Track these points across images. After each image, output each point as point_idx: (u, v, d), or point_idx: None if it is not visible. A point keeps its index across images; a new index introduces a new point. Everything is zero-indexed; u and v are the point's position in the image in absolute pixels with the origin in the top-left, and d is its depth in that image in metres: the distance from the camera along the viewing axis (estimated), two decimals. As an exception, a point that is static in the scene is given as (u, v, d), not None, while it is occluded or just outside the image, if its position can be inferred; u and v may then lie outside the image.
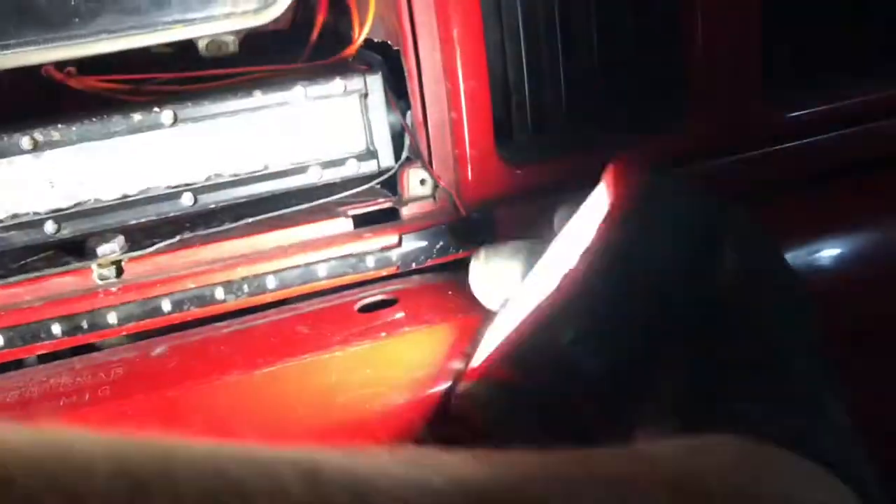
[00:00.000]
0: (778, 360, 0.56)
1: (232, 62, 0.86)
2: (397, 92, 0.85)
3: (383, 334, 0.79)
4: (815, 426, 0.52)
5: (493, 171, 0.83)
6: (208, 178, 0.79)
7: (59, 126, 0.73)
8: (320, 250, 0.81)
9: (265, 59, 0.88)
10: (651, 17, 0.90)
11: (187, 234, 0.80)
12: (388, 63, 0.86)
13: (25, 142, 0.73)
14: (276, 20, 0.83)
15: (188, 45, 0.85)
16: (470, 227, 0.84)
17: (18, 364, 0.83)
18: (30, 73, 0.84)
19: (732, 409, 0.52)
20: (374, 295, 0.83)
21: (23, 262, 0.78)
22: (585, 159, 0.76)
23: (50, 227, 0.75)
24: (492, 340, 0.68)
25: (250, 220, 0.82)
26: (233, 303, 0.79)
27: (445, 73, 0.79)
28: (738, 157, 0.88)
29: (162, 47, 0.88)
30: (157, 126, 0.76)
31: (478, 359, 0.70)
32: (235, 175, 0.80)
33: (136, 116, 0.75)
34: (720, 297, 0.58)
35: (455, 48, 0.78)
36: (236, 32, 0.84)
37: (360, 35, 0.83)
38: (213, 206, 0.80)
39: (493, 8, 0.84)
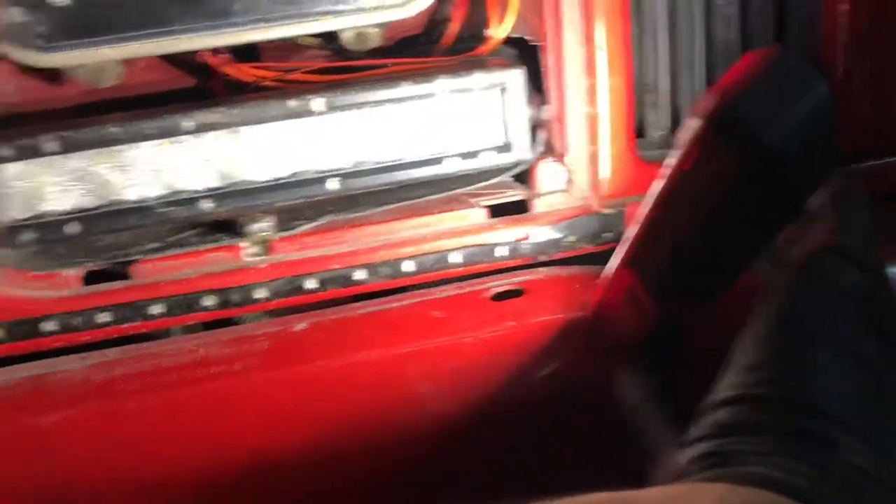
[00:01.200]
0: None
1: (372, 55, 0.89)
2: (533, 87, 0.87)
3: (513, 323, 0.81)
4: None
5: (629, 168, 0.84)
6: (354, 165, 0.83)
7: (220, 109, 0.78)
8: (455, 238, 0.84)
9: (401, 52, 0.91)
10: (793, 17, 0.89)
11: (332, 218, 0.84)
12: (523, 59, 0.88)
13: (188, 123, 0.78)
14: (419, 14, 0.86)
15: (332, 37, 0.89)
16: (602, 221, 0.85)
17: (165, 334, 0.89)
18: (183, 59, 0.89)
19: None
20: (504, 284, 0.86)
21: (179, 236, 0.84)
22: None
23: (206, 204, 0.80)
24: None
25: (391, 206, 0.85)
26: (372, 284, 0.83)
27: (588, 69, 0.81)
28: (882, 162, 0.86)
29: (308, 38, 0.93)
30: (310, 113, 0.80)
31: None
32: (379, 163, 0.83)
33: (291, 103, 0.79)
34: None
35: (600, 45, 0.80)
36: (381, 25, 0.87)
37: (502, 31, 0.85)
38: (356, 191, 0.83)
39: (634, 6, 0.85)
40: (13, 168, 0.76)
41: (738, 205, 0.59)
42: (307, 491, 0.77)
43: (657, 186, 0.65)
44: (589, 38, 0.80)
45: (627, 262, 0.67)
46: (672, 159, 0.64)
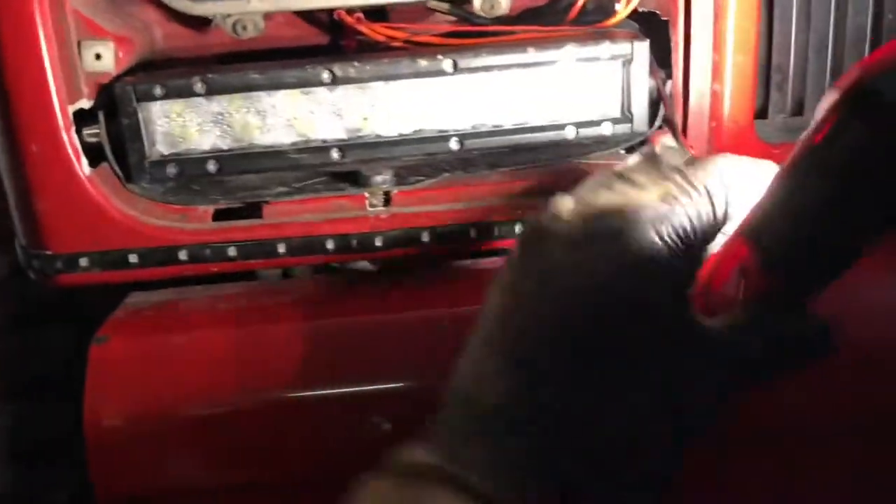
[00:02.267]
0: None
1: (499, 22, 0.92)
2: (657, 61, 0.88)
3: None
4: None
5: (747, 147, 0.84)
6: (474, 126, 0.85)
7: (356, 64, 0.82)
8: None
9: (527, 21, 0.93)
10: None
11: (449, 176, 0.87)
12: (650, 32, 0.88)
13: (325, 75, 0.82)
14: (550, -18, 0.88)
15: (462, 2, 0.92)
16: (716, 199, 0.85)
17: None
18: (320, 16, 0.94)
19: None
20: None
21: (306, 182, 0.88)
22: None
23: (334, 154, 0.84)
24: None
25: (506, 168, 0.88)
26: (483, 242, 0.86)
27: (715, 45, 0.81)
28: None
29: (437, 2, 0.96)
30: (439, 73, 0.83)
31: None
32: (498, 126, 0.86)
33: (422, 62, 0.82)
34: None
35: (729, 22, 0.80)
36: (511, -8, 0.89)
37: (631, 4, 0.86)
38: (475, 152, 0.86)
39: (767, -15, 0.85)
40: (161, 106, 0.82)
41: (868, 181, 0.59)
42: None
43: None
44: (719, 15, 0.80)
45: (743, 231, 0.67)
46: (803, 134, 0.64)
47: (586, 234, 0.59)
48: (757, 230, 0.65)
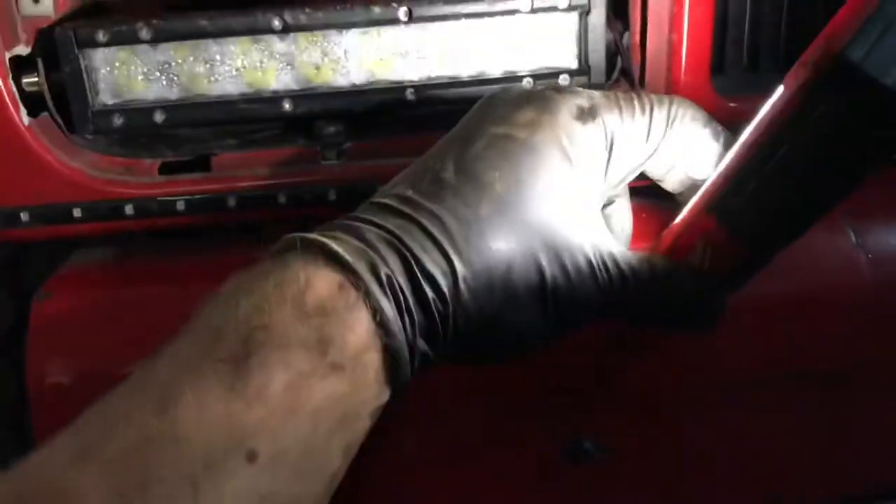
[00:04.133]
0: None
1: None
2: (614, 13, 0.87)
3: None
4: None
5: (704, 100, 0.82)
6: (430, 78, 0.84)
7: (307, 10, 0.79)
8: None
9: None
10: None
11: (404, 128, 0.86)
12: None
13: (276, 22, 0.79)
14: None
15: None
16: (673, 151, 0.85)
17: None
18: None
19: None
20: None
21: (257, 133, 0.86)
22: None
23: (286, 105, 0.82)
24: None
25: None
26: (439, 196, 0.84)
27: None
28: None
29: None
30: (393, 21, 0.81)
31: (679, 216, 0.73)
32: (455, 77, 0.84)
33: (376, 10, 0.80)
34: None
35: (687, -22, 0.79)
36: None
37: (589, -47, 0.85)
38: (431, 104, 0.84)
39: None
40: (104, 53, 0.79)
41: (848, 148, 0.59)
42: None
43: (742, 135, 0.66)
44: (677, -36, 0.80)
45: (706, 208, 0.67)
46: (763, 108, 0.64)
47: (528, 95, 0.68)
48: (724, 204, 0.66)
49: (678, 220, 0.72)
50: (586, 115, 0.66)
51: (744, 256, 0.67)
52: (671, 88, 0.83)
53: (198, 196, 0.82)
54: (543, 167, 0.63)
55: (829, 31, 0.59)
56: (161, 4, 0.91)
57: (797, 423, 0.88)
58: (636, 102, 0.69)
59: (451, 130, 0.69)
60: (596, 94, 0.69)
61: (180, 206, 0.81)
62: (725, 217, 0.66)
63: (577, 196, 0.64)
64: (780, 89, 0.62)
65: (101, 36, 0.78)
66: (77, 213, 0.80)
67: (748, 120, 0.68)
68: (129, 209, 0.81)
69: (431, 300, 0.58)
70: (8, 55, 0.77)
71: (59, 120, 0.80)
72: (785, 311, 0.83)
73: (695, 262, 0.69)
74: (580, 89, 0.70)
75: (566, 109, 0.66)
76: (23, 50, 0.78)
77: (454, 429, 0.84)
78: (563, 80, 0.85)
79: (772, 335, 0.84)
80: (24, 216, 0.80)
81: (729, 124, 0.84)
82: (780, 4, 0.87)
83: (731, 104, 0.84)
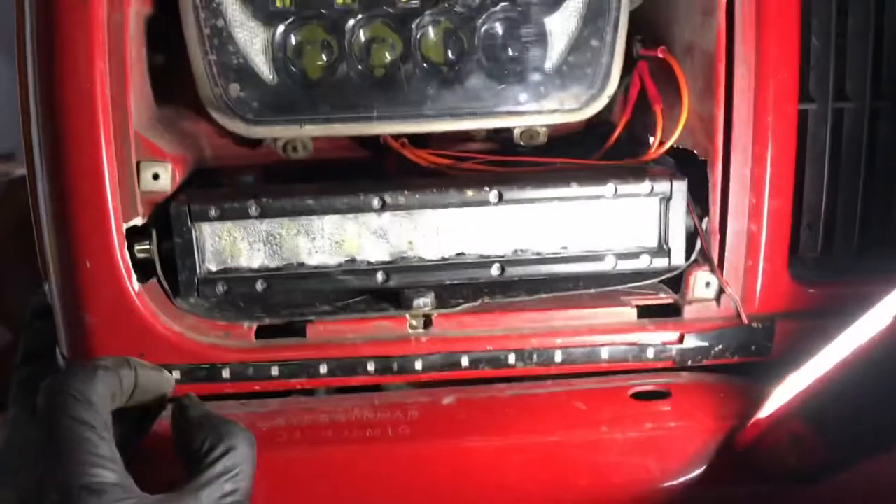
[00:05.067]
0: None
1: (537, 150, 0.95)
2: (693, 197, 0.91)
3: (650, 425, 0.84)
4: None
5: (782, 286, 0.86)
6: (515, 253, 0.88)
7: (405, 192, 0.84)
8: (605, 334, 0.88)
9: (563, 149, 0.97)
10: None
11: (489, 300, 0.89)
12: (683, 169, 0.92)
13: (376, 202, 0.84)
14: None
15: (500, 129, 0.96)
16: (750, 335, 0.87)
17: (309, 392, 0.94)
18: (366, 139, 0.97)
19: None
20: (647, 385, 0.89)
21: (348, 301, 0.90)
22: (880, 286, 0.78)
23: (379, 276, 0.86)
24: (783, 395, 0.72)
25: (545, 295, 0.90)
26: (521, 369, 0.87)
27: (752, 187, 0.84)
28: None
29: (480, 130, 1.00)
30: (484, 203, 0.85)
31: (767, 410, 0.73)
32: (539, 254, 0.88)
33: (469, 192, 0.85)
34: None
35: (767, 167, 0.83)
36: (552, 126, 0.93)
37: (669, 141, 0.90)
38: (515, 278, 0.88)
39: (801, 132, 0.88)
40: (214, 226, 0.84)
41: None
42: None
43: (837, 346, 0.68)
44: (758, 159, 0.83)
45: (799, 415, 0.70)
46: (858, 322, 0.66)
47: None
48: (813, 413, 0.68)
49: (764, 413, 0.73)
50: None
51: (828, 458, 0.69)
52: (749, 274, 0.86)
53: (292, 362, 0.85)
54: None
55: None
56: (265, 172, 0.98)
57: None
58: None
59: None
60: None
61: (274, 371, 0.85)
62: (816, 421, 0.68)
63: None
64: (877, 310, 0.65)
65: (212, 211, 0.83)
66: (176, 374, 0.84)
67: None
68: (225, 373, 0.85)
69: None
70: (126, 226, 0.82)
71: (167, 286, 0.85)
72: None
73: (783, 456, 0.70)
74: None
75: None
76: (139, 221, 0.84)
77: None
78: (644, 260, 0.88)
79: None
80: (126, 376, 0.84)
81: (807, 312, 0.87)
82: (855, 187, 0.90)
83: (809, 290, 0.87)
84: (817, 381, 0.68)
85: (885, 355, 0.63)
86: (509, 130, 0.93)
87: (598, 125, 1.00)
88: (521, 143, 0.93)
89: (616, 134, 0.97)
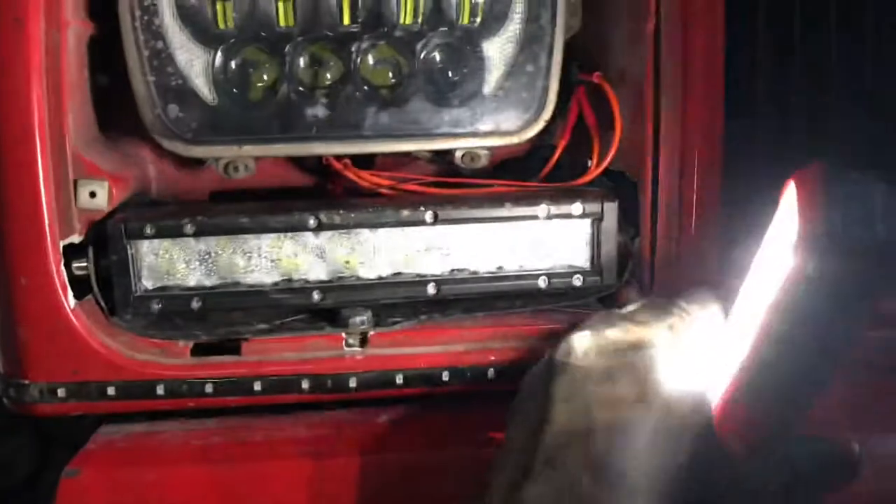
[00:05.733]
0: None
1: (478, 173, 0.97)
2: (625, 218, 0.93)
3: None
4: None
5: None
6: (451, 273, 0.89)
7: (341, 212, 0.86)
8: (539, 352, 0.89)
9: (503, 172, 0.99)
10: None
11: (426, 318, 0.90)
12: (621, 191, 0.94)
13: (312, 221, 0.85)
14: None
15: (443, 153, 0.97)
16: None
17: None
18: (308, 161, 0.98)
19: None
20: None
21: (285, 320, 0.91)
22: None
23: (316, 295, 0.87)
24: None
25: (480, 314, 0.91)
26: (456, 386, 0.88)
27: (682, 208, 0.86)
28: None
29: (423, 152, 1.01)
30: (420, 223, 0.87)
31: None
32: (475, 273, 0.90)
33: (405, 212, 0.86)
34: None
35: (694, 188, 0.85)
36: (492, 148, 0.95)
37: (603, 164, 0.92)
38: (451, 297, 0.90)
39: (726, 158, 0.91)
40: (150, 244, 0.85)
41: (840, 317, 0.63)
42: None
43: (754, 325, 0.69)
44: (686, 181, 0.86)
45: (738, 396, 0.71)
46: (769, 295, 0.68)
47: (608, 371, 0.74)
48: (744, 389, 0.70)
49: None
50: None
51: (767, 433, 0.70)
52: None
53: (226, 379, 0.86)
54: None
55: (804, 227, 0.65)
56: (210, 195, 0.99)
57: None
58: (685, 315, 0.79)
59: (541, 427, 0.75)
60: (658, 335, 0.76)
61: (209, 388, 0.85)
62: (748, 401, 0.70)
63: None
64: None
65: (148, 229, 0.84)
66: (111, 391, 0.84)
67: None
68: (160, 389, 0.85)
69: None
70: (63, 243, 0.83)
71: (103, 303, 0.85)
72: None
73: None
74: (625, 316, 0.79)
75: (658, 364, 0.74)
76: (76, 238, 0.84)
77: None
78: (577, 280, 0.90)
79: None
80: (60, 392, 0.84)
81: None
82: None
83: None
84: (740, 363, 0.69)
85: (780, 321, 0.64)
86: (452, 153, 0.95)
87: (540, 148, 1.02)
88: (463, 165, 0.95)
89: (555, 157, 0.99)
